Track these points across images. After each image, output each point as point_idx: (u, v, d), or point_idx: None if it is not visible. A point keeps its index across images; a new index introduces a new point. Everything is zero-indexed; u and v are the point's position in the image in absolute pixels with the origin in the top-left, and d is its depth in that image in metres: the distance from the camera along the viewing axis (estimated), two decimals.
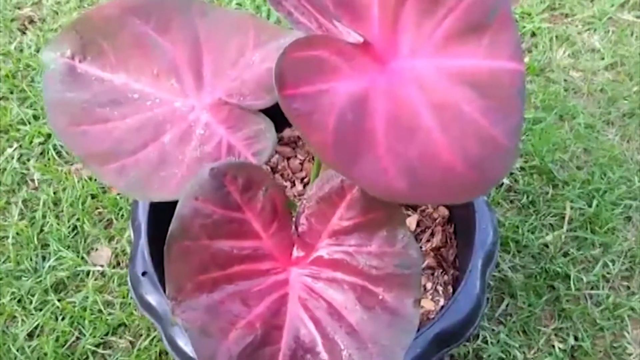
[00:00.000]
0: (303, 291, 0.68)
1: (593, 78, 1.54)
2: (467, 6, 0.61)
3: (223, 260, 0.66)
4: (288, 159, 1.09)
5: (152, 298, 0.83)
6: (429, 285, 0.96)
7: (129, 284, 0.88)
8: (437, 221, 1.02)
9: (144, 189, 0.70)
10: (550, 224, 1.30)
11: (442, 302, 0.94)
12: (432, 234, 1.01)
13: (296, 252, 0.71)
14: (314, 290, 0.68)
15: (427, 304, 0.93)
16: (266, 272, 0.68)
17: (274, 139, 0.72)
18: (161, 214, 0.93)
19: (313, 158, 1.11)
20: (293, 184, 1.07)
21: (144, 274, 0.85)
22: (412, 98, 0.59)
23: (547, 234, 1.29)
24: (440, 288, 0.96)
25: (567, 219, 1.31)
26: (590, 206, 1.31)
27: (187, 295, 0.65)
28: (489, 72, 0.61)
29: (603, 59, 1.56)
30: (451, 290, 0.96)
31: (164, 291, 0.82)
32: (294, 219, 0.71)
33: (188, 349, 0.78)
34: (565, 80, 1.52)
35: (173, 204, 0.96)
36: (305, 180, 1.08)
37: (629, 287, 1.23)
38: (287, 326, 0.65)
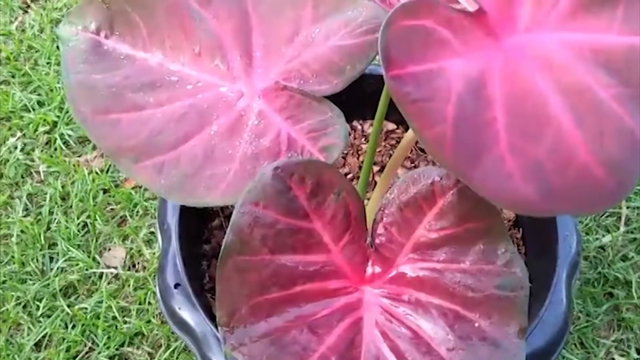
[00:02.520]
0: (381, 316, 0.56)
1: None
2: None
3: (286, 278, 0.55)
4: None
5: (187, 315, 0.72)
6: None
7: (158, 295, 0.76)
8: None
9: (188, 190, 0.58)
10: (606, 224, 1.20)
11: None
12: None
13: (371, 269, 0.59)
14: (394, 315, 0.56)
15: None
16: (336, 292, 0.57)
17: (346, 132, 0.59)
18: (194, 215, 0.81)
19: (357, 152, 0.99)
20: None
21: (176, 285, 0.73)
22: (537, 81, 0.47)
23: (603, 236, 1.19)
24: None
25: (623, 219, 1.21)
26: None
27: (241, 321, 0.54)
28: (625, 50, 0.49)
29: None
30: None
31: (201, 307, 0.71)
32: (369, 228, 0.59)
33: None
34: None
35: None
36: (349, 176, 0.96)
37: None
38: None
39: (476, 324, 0.55)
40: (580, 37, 0.49)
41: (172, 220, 0.78)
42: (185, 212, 0.80)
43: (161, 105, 0.61)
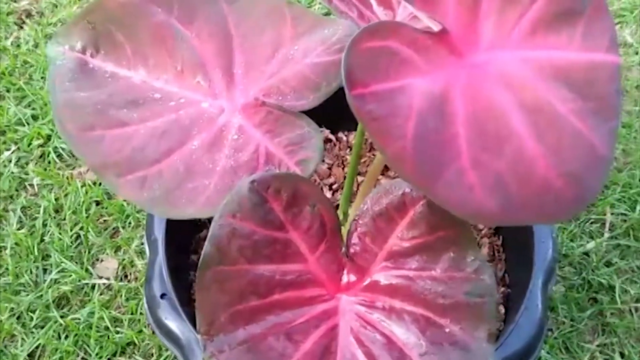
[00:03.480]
0: (356, 322, 0.58)
1: (627, 74, 1.45)
2: None
3: (263, 287, 0.57)
4: None
5: (174, 324, 0.74)
6: None
7: (145, 306, 0.78)
8: (482, 232, 0.93)
9: (170, 203, 0.60)
10: (590, 231, 1.22)
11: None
12: (478, 247, 0.91)
13: (347, 277, 0.61)
14: (368, 322, 0.58)
15: None
16: (312, 300, 0.59)
17: (321, 145, 0.61)
18: (181, 227, 0.84)
19: (342, 162, 1.01)
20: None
21: (162, 296, 0.75)
22: (499, 98, 0.49)
23: (587, 242, 1.20)
24: None
25: (607, 225, 1.23)
26: (633, 211, 1.23)
27: (221, 329, 0.56)
28: (585, 66, 0.51)
29: (637, 53, 1.48)
30: (503, 311, 0.86)
31: (187, 316, 0.73)
32: (344, 238, 0.62)
33: None
34: None
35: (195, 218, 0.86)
36: (335, 186, 0.98)
37: None
38: None
39: (447, 329, 0.57)
40: (541, 54, 0.52)
41: (160, 231, 0.80)
42: (173, 224, 0.82)
43: (144, 122, 0.63)
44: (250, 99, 0.65)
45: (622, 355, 1.09)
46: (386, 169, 0.98)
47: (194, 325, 0.73)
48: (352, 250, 0.61)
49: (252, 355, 0.54)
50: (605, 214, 1.23)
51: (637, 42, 1.50)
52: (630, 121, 1.36)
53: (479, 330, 0.57)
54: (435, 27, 0.51)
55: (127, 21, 0.67)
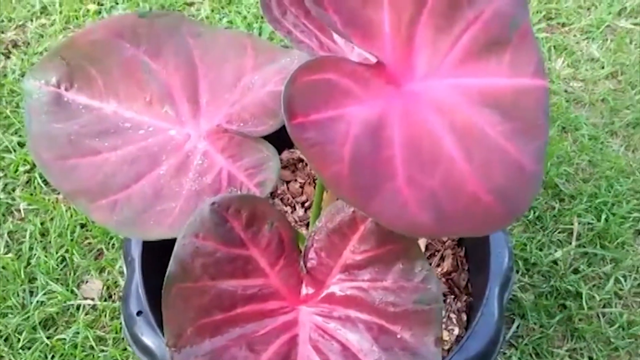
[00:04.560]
0: (314, 332, 0.63)
1: (594, 88, 1.50)
2: (487, 20, 0.56)
3: (227, 301, 0.61)
4: (287, 182, 1.04)
5: (149, 340, 0.78)
6: None
7: (123, 323, 0.82)
8: (446, 244, 0.98)
9: (138, 226, 0.64)
10: (558, 240, 1.26)
11: (456, 331, 0.89)
12: (442, 258, 0.96)
13: (305, 290, 0.65)
14: (326, 331, 0.63)
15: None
16: (273, 312, 0.63)
17: (278, 167, 0.66)
18: (156, 247, 0.87)
19: (314, 181, 1.06)
20: (294, 209, 1.02)
21: (139, 313, 0.79)
22: (432, 123, 0.54)
23: (555, 251, 1.25)
24: (453, 316, 0.91)
25: (575, 234, 1.27)
26: (599, 220, 1.28)
27: (187, 342, 0.60)
28: (512, 91, 0.56)
29: (603, 67, 1.53)
30: (465, 318, 0.90)
31: (162, 332, 0.77)
32: (302, 253, 0.66)
33: None
34: (566, 90, 1.49)
35: (169, 239, 0.91)
36: (307, 204, 1.03)
37: None
38: None
39: (398, 336, 0.61)
40: (471, 81, 0.56)
41: (136, 252, 0.85)
42: (149, 245, 0.86)
43: (115, 150, 0.68)
44: (214, 126, 0.70)
45: (590, 359, 1.13)
46: None
47: None
48: (309, 265, 0.66)
49: None
50: (572, 224, 1.28)
51: (603, 56, 1.55)
52: (596, 133, 1.41)
53: (428, 336, 0.61)
54: (373, 59, 0.56)
55: (99, 56, 0.72)
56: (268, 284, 0.63)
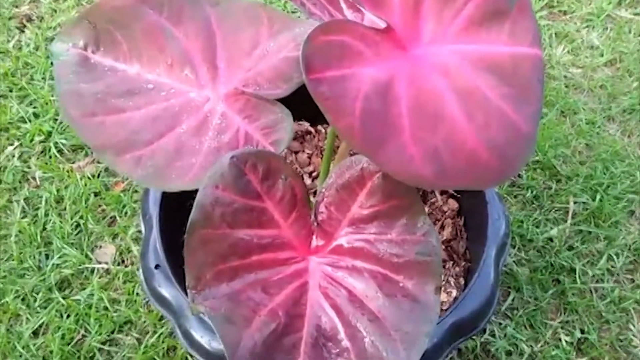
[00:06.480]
0: (323, 280, 0.68)
1: (593, 74, 1.55)
2: None
3: (243, 249, 0.66)
4: (296, 153, 1.09)
5: (166, 291, 0.83)
6: None
7: (141, 277, 0.87)
8: (446, 214, 1.02)
9: (161, 179, 0.69)
10: (554, 218, 1.31)
11: (454, 293, 0.94)
12: (442, 227, 1.01)
13: (315, 241, 0.70)
14: (334, 279, 0.68)
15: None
16: (286, 261, 0.68)
17: (292, 128, 0.71)
18: (172, 207, 0.93)
19: (321, 152, 1.10)
20: (301, 178, 1.06)
21: (157, 267, 0.84)
22: (436, 85, 0.59)
23: (551, 228, 1.29)
24: (452, 280, 0.96)
25: (570, 213, 1.32)
26: (593, 200, 1.32)
27: (206, 285, 0.65)
28: (510, 58, 0.61)
29: (602, 55, 1.57)
30: (463, 282, 0.95)
31: (178, 284, 0.82)
32: (313, 208, 0.71)
33: (204, 341, 0.78)
34: (565, 76, 1.53)
35: (184, 198, 0.95)
36: (314, 174, 1.07)
37: (633, 280, 1.24)
38: (308, 314, 0.65)
39: (401, 284, 0.66)
40: (473, 47, 0.61)
41: (154, 210, 0.90)
42: (166, 204, 0.91)
43: (139, 109, 0.73)
44: (232, 89, 0.75)
45: (582, 331, 1.17)
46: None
47: (185, 292, 0.82)
48: (319, 218, 0.70)
49: (232, 304, 0.63)
50: (568, 203, 1.33)
51: (603, 44, 1.60)
52: (594, 118, 1.46)
53: (429, 284, 0.66)
54: (382, 25, 0.61)
55: (124, 21, 0.76)
56: (281, 234, 0.68)
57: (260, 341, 0.61)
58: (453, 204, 1.03)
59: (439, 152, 0.57)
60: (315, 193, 0.90)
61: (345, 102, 0.54)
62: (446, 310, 0.85)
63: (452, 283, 0.95)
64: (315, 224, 0.71)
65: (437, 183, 0.56)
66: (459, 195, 1.04)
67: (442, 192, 1.05)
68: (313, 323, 0.65)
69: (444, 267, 0.97)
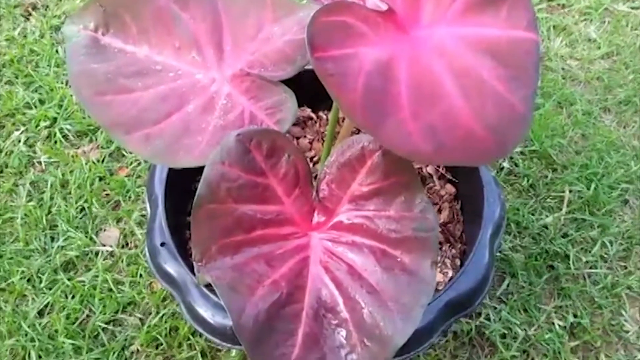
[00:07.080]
0: (324, 254, 0.70)
1: (590, 67, 1.57)
2: None
3: (247, 224, 0.69)
4: (297, 138, 1.12)
5: (171, 267, 0.85)
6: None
7: (147, 254, 0.90)
8: (444, 198, 1.05)
9: (169, 155, 0.72)
10: (550, 206, 1.33)
11: (450, 274, 0.96)
12: (440, 211, 1.03)
13: (317, 217, 0.73)
14: (334, 254, 0.70)
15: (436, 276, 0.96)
16: (288, 236, 0.71)
17: (295, 108, 0.74)
18: (176, 189, 0.95)
19: (322, 138, 1.13)
20: (304, 157, 1.08)
21: (162, 244, 0.87)
22: (434, 65, 0.61)
23: (546, 216, 1.32)
24: (448, 261, 0.98)
25: (566, 201, 1.34)
26: (588, 189, 1.35)
27: (212, 258, 0.67)
28: (507, 41, 0.63)
29: (599, 48, 1.60)
30: (459, 263, 0.98)
31: (183, 260, 0.85)
32: (314, 185, 0.74)
33: (207, 315, 0.80)
34: (563, 68, 1.56)
35: (188, 182, 0.98)
36: (315, 159, 1.10)
37: (626, 267, 1.27)
38: (309, 287, 0.68)
39: (399, 259, 0.69)
40: (471, 30, 0.64)
41: (160, 190, 0.92)
42: (170, 185, 0.94)
43: (148, 89, 0.75)
44: (237, 71, 0.77)
45: (575, 316, 1.20)
46: (356, 130, 1.10)
47: (189, 268, 0.85)
48: (321, 195, 0.73)
49: (237, 274, 0.65)
50: (563, 192, 1.35)
51: (600, 37, 1.62)
52: (590, 109, 1.49)
53: (425, 259, 0.69)
54: (384, 7, 0.63)
55: (133, 5, 0.79)
56: (284, 210, 0.71)
57: (263, 309, 0.63)
58: (450, 188, 1.06)
59: (437, 129, 0.59)
60: (316, 177, 0.92)
61: (348, 79, 0.57)
62: (442, 290, 0.87)
63: (449, 264, 0.98)
64: (317, 200, 0.73)
65: (435, 158, 0.59)
66: (456, 181, 1.06)
67: (440, 177, 1.08)
68: (314, 295, 0.67)
69: (440, 249, 1.00)
